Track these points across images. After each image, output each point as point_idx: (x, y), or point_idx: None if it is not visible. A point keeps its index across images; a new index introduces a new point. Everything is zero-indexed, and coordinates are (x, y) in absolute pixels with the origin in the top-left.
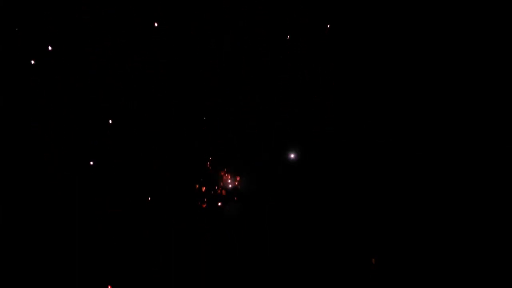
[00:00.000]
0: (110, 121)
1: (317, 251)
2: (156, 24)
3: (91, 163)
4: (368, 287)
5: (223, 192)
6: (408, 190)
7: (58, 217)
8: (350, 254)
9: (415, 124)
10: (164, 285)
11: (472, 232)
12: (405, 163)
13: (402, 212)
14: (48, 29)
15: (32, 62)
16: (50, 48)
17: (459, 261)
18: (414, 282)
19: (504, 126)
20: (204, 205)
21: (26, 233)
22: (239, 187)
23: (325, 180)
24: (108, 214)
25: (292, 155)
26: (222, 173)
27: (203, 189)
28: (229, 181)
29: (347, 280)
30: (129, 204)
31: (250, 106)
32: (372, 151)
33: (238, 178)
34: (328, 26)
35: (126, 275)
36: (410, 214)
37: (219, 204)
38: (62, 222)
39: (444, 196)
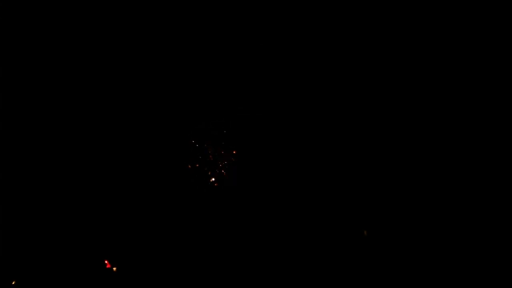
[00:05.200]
0: (110, 121)
1: (316, 253)
2: (156, 24)
3: (91, 163)
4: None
5: (223, 191)
6: (407, 189)
7: (58, 216)
8: (348, 254)
9: (415, 124)
10: (164, 284)
11: (471, 231)
12: (405, 163)
13: (401, 211)
14: (48, 29)
15: (32, 62)
16: (50, 48)
17: (460, 261)
18: (413, 280)
19: (504, 126)
20: (204, 205)
21: (26, 232)
22: (240, 187)
23: (325, 179)
24: (108, 213)
25: (292, 155)
26: (223, 173)
27: (203, 189)
28: (229, 181)
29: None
30: (129, 203)
31: (250, 106)
32: (373, 151)
33: (238, 178)
34: (329, 26)
35: (126, 273)
36: (409, 213)
37: (220, 203)
38: (62, 221)
39: (444, 196)
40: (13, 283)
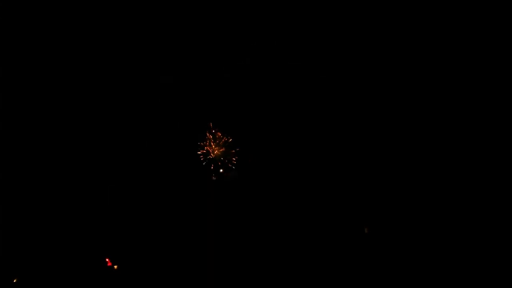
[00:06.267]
0: (110, 121)
1: (316, 253)
2: (156, 25)
3: (91, 163)
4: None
5: (225, 191)
6: (406, 189)
7: (58, 216)
8: (347, 251)
9: (415, 124)
10: (164, 282)
11: (471, 231)
12: (404, 163)
13: (399, 211)
14: (48, 29)
15: (32, 62)
16: (50, 48)
17: (459, 261)
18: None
19: (504, 126)
20: (206, 204)
21: (26, 232)
22: (242, 187)
23: (325, 178)
24: (108, 213)
25: (292, 154)
26: (224, 173)
27: (204, 189)
28: (231, 181)
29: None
30: (130, 203)
31: (251, 106)
32: (372, 151)
33: (240, 178)
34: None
35: (126, 271)
36: (408, 213)
37: (221, 203)
38: (62, 221)
39: (444, 196)
40: (14, 281)
